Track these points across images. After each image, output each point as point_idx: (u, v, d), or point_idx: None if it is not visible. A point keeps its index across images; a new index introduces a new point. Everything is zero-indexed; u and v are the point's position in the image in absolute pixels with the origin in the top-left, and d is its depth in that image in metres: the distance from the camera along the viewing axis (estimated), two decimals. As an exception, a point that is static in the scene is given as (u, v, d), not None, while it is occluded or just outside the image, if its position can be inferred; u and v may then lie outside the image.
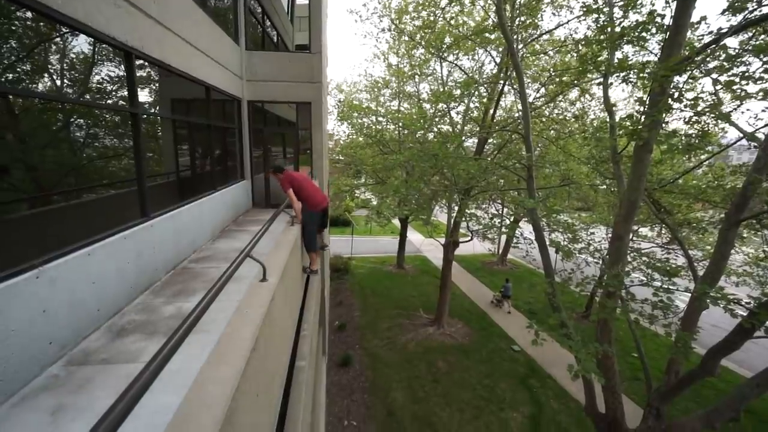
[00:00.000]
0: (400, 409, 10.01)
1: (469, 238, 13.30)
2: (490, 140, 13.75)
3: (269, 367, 1.99)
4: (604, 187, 13.29)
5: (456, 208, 11.03)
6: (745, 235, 8.13)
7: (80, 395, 2.41)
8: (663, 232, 15.05)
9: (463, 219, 10.17)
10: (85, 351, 2.97)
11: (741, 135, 4.79)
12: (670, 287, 4.32)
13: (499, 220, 9.00)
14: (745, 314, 3.69)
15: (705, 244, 12.16)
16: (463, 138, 13.85)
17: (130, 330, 3.22)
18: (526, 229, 8.83)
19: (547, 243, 6.49)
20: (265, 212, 8.03)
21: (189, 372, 1.35)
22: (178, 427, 1.08)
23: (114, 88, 3.88)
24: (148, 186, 4.46)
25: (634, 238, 13.47)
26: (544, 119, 12.23)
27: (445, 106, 12.65)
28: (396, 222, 27.79)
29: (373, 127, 17.93)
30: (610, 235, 11.57)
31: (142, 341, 3.05)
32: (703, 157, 7.03)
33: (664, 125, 4.69)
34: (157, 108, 5.16)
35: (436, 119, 12.77)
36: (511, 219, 10.55)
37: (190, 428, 1.08)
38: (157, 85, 5.18)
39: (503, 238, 24.84)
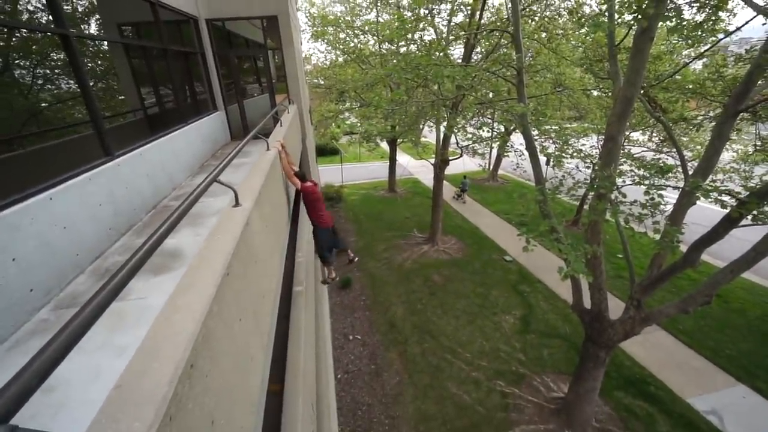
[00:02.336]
0: (401, 321, 10.74)
1: (459, 155, 13.04)
2: (477, 49, 12.72)
3: (253, 293, 1.93)
4: (597, 93, 12.75)
5: (444, 125, 10.58)
6: (739, 129, 8.00)
7: (72, 335, 2.42)
8: (654, 136, 14.90)
9: (453, 133, 9.81)
10: (72, 294, 2.94)
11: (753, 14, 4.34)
12: (662, 184, 4.28)
13: (488, 130, 8.66)
14: (734, 204, 3.71)
15: (696, 145, 12.12)
16: (449, 47, 12.81)
17: (113, 271, 3.17)
18: (516, 141, 8.58)
19: (538, 151, 6.31)
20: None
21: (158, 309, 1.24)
22: (140, 359, 0.99)
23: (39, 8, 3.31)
24: (105, 122, 4.10)
25: (625, 144, 13.34)
26: (536, 18, 11.20)
27: (427, 11, 11.42)
28: (385, 146, 27.15)
29: (351, 42, 16.43)
30: (601, 143, 11.41)
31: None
32: (703, 48, 6.57)
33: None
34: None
35: (420, 25, 11.62)
36: (501, 131, 10.19)
37: (154, 359, 0.99)
38: (96, 7, 4.51)
39: (494, 153, 24.60)
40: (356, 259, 6.00)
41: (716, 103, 7.32)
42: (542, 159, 6.40)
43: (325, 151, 34.21)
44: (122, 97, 5.41)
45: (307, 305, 4.72)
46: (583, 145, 9.26)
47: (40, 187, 2.93)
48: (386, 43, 14.64)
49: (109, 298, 0.99)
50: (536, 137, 8.19)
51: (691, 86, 7.25)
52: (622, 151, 5.46)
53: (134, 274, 1.14)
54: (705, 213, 7.30)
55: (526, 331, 10.19)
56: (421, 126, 18.53)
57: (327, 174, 26.26)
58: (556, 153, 5.32)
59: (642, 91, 6.58)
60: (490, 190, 22.97)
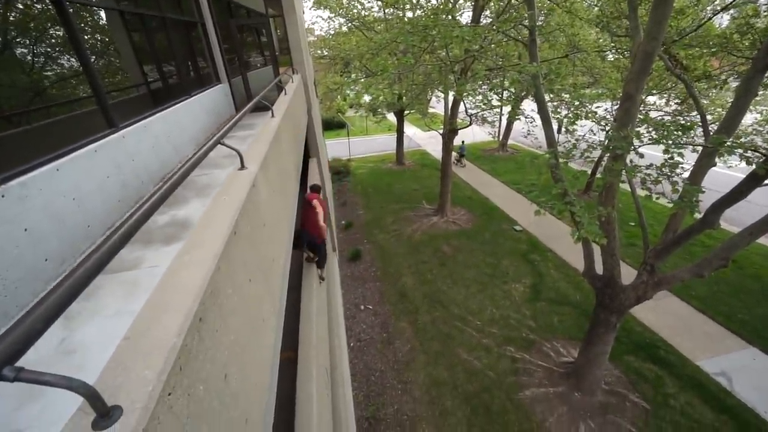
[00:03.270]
0: (411, 290, 10.87)
1: (468, 123, 12.72)
2: (486, 12, 12.11)
3: (261, 256, 1.92)
4: (612, 58, 12.12)
5: (453, 92, 10.24)
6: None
7: (89, 302, 2.47)
8: (672, 99, 14.25)
9: (462, 98, 9.50)
10: (86, 264, 3.01)
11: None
12: (683, 143, 4.09)
13: (499, 93, 8.37)
14: (761, 160, 3.53)
15: (716, 107, 11.56)
16: (457, 10, 12.17)
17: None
18: (527, 107, 8.31)
19: (551, 114, 6.08)
20: (249, 117, 7.52)
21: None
22: (149, 312, 0.98)
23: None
24: (108, 96, 4.05)
25: (642, 109, 12.80)
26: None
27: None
28: (392, 118, 26.62)
29: (354, 8, 15.78)
30: (616, 108, 10.96)
31: (140, 250, 3.05)
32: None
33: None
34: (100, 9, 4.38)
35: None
36: (512, 93, 9.82)
37: (162, 311, 0.97)
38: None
39: (503, 123, 23.98)
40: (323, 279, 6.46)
41: (743, 59, 6.91)
42: (555, 125, 6.18)
43: (332, 125, 33.78)
44: (124, 72, 5.33)
45: (318, 276, 4.76)
46: (598, 107, 8.92)
47: (45, 158, 2.93)
48: (391, 8, 14.04)
49: (129, 233, 0.97)
50: (549, 100, 7.89)
51: (715, 41, 6.82)
52: (639, 116, 5.20)
53: (150, 215, 1.12)
54: (718, 178, 7.06)
55: (536, 299, 10.24)
56: (428, 96, 18.06)
57: (334, 148, 26.00)
58: (571, 113, 5.10)
59: (663, 47, 6.21)
60: (499, 161, 22.56)
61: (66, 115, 3.81)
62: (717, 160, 4.71)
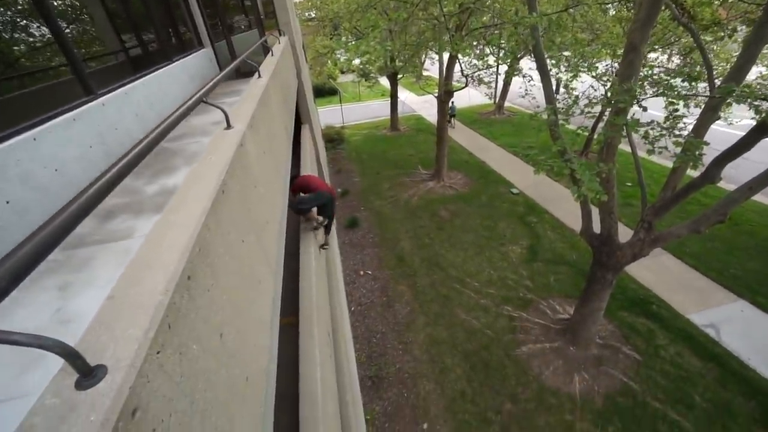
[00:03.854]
0: (409, 255, 10.96)
1: (464, 85, 12.31)
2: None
3: (254, 217, 1.85)
4: (613, 12, 11.54)
5: (448, 51, 9.81)
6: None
7: (83, 272, 2.44)
8: (674, 54, 13.77)
9: (458, 53, 9.12)
10: (77, 236, 2.92)
11: None
12: (688, 94, 3.95)
13: (495, 50, 8.03)
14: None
15: (721, 62, 11.18)
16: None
17: (116, 212, 3.14)
18: (525, 66, 7.98)
19: (549, 70, 5.84)
20: (235, 83, 7.20)
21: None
22: (133, 271, 0.91)
23: None
24: (85, 63, 3.81)
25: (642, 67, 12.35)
26: None
27: None
28: (385, 82, 25.76)
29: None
30: (617, 65, 10.59)
31: (131, 220, 2.99)
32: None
33: None
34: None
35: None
36: (509, 53, 9.42)
37: (147, 269, 0.91)
38: None
39: (500, 84, 23.29)
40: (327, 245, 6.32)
41: (754, 5, 6.60)
42: (554, 84, 5.95)
43: (323, 92, 32.77)
44: (100, 39, 5.01)
45: (316, 242, 4.73)
46: (598, 62, 8.61)
47: (19, 127, 2.78)
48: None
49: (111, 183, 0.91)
50: (548, 57, 7.59)
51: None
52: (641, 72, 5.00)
53: (129, 170, 1.05)
54: (717, 135, 6.91)
55: (533, 260, 10.37)
56: (422, 57, 17.35)
57: (327, 115, 25.35)
58: (571, 67, 4.89)
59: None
60: (496, 124, 22.13)
61: (42, 85, 3.61)
62: (721, 113, 4.58)
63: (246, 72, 8.06)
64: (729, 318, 8.24)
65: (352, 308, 9.28)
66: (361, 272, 10.52)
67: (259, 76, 3.66)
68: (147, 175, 3.80)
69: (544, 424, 6.52)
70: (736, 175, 9.58)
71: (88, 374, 0.67)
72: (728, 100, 3.49)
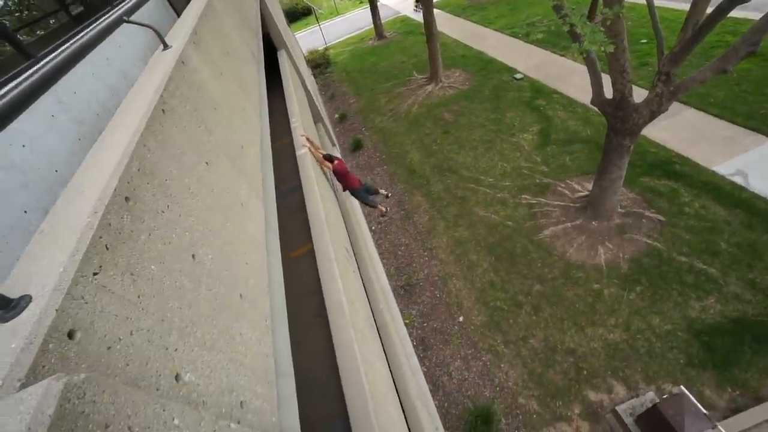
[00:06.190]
0: (419, 165, 10.76)
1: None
2: None
3: (218, 139, 1.70)
4: None
5: None
6: None
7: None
8: None
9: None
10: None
11: None
12: None
13: None
14: None
15: None
16: None
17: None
18: None
19: None
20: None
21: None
22: (64, 199, 0.82)
23: None
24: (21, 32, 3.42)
25: None
26: None
27: None
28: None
29: None
30: None
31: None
32: None
33: None
34: None
35: None
36: None
37: (77, 196, 0.81)
38: None
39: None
40: (387, 210, 6.93)
41: None
42: None
43: (297, 14, 29.86)
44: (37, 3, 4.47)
45: (315, 165, 4.60)
46: None
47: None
48: None
49: None
50: None
51: None
52: None
53: None
54: None
55: (546, 144, 9.97)
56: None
57: (306, 40, 23.34)
58: None
59: None
60: (489, 7, 19.78)
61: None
62: None
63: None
64: (758, 161, 7.88)
65: (372, 227, 9.48)
66: (375, 192, 10.51)
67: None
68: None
69: (573, 296, 6.83)
70: (762, 4, 8.37)
71: (8, 305, 0.63)
72: None
